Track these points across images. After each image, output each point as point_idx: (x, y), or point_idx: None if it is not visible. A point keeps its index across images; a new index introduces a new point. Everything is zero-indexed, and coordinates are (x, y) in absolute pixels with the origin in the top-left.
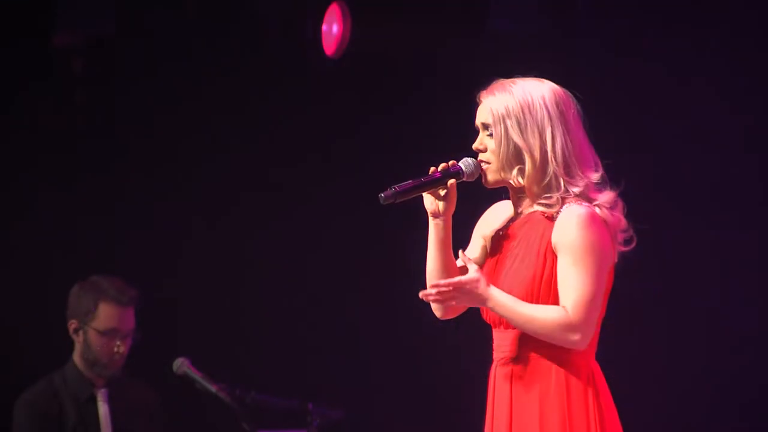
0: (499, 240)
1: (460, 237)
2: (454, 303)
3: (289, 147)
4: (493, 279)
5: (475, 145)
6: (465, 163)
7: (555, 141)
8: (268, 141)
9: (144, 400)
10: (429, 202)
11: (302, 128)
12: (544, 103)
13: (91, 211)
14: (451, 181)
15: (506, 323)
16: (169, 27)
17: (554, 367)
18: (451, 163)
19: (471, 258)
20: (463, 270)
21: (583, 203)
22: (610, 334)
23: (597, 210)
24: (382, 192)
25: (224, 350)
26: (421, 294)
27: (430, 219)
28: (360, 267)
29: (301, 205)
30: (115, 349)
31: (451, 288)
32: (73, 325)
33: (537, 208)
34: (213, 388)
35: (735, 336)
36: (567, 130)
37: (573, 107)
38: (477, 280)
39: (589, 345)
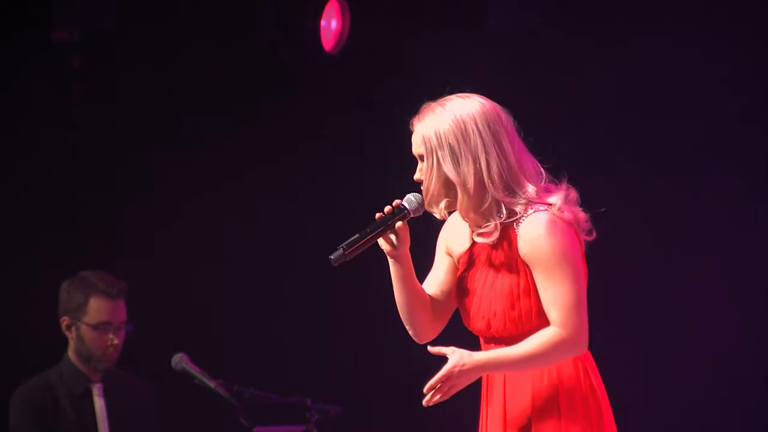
0: (467, 255)
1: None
2: (455, 391)
3: (287, 143)
4: (470, 296)
5: (416, 177)
6: (408, 201)
7: (490, 166)
8: (267, 137)
9: (139, 393)
10: (382, 243)
11: (300, 124)
12: (477, 128)
13: (89, 207)
14: (399, 224)
15: (492, 338)
16: (167, 22)
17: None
18: (395, 203)
19: (439, 276)
20: (437, 299)
21: (539, 208)
22: (605, 330)
23: (556, 212)
24: (331, 254)
25: (223, 346)
26: (424, 403)
27: (388, 258)
28: (360, 262)
29: (300, 201)
30: (109, 342)
31: (443, 381)
32: (65, 321)
33: (476, 239)
34: (211, 384)
35: (728, 333)
36: (501, 150)
37: (505, 121)
38: (460, 359)
39: None
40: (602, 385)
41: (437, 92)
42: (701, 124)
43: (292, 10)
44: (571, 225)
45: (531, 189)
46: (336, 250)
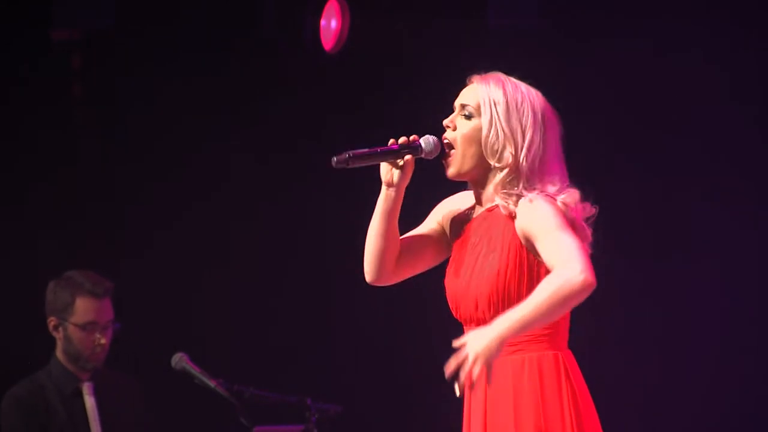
0: (460, 236)
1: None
2: (486, 366)
3: (287, 143)
4: (457, 277)
5: (446, 121)
6: (425, 141)
7: (532, 144)
8: (267, 137)
9: (129, 391)
10: (384, 170)
11: (300, 124)
12: (533, 108)
13: (89, 207)
14: (408, 157)
15: (477, 320)
16: (167, 22)
17: (527, 360)
18: (412, 137)
19: (420, 233)
20: (408, 243)
21: (539, 193)
22: (604, 330)
23: (559, 204)
24: (335, 156)
25: (222, 345)
26: (458, 391)
27: (383, 187)
28: (359, 262)
29: (300, 200)
30: (96, 342)
31: (464, 357)
32: (52, 322)
33: (497, 201)
34: (211, 384)
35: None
36: (544, 141)
37: (556, 124)
38: (476, 332)
39: (561, 336)
40: (584, 386)
41: (437, 92)
42: (701, 124)
43: (292, 9)
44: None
45: (549, 188)
46: (342, 153)
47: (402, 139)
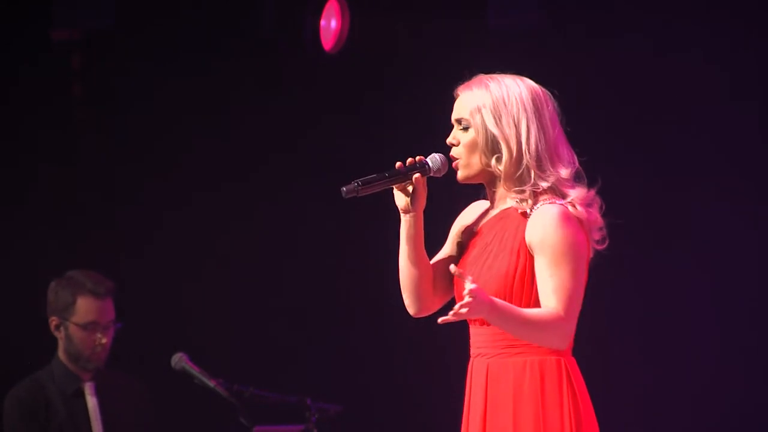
0: (474, 235)
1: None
2: (473, 316)
3: (287, 142)
4: (468, 273)
5: (448, 140)
6: (432, 158)
7: (529, 134)
8: (266, 136)
9: (131, 391)
10: (398, 198)
11: (300, 123)
12: (520, 98)
13: (89, 207)
14: (416, 175)
15: (482, 319)
16: (167, 22)
17: (529, 363)
18: (418, 158)
19: (444, 255)
20: (438, 267)
21: (557, 201)
22: (604, 330)
23: (570, 208)
24: (344, 186)
25: (223, 345)
26: (440, 320)
27: (401, 215)
28: (360, 263)
29: (300, 200)
30: (97, 342)
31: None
32: (54, 321)
33: (510, 203)
34: (211, 383)
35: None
36: (541, 126)
37: (550, 105)
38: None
39: None
40: (586, 393)
41: (437, 92)
42: (701, 124)
43: (292, 9)
44: (582, 224)
45: (562, 172)
46: (350, 183)
47: (408, 161)
